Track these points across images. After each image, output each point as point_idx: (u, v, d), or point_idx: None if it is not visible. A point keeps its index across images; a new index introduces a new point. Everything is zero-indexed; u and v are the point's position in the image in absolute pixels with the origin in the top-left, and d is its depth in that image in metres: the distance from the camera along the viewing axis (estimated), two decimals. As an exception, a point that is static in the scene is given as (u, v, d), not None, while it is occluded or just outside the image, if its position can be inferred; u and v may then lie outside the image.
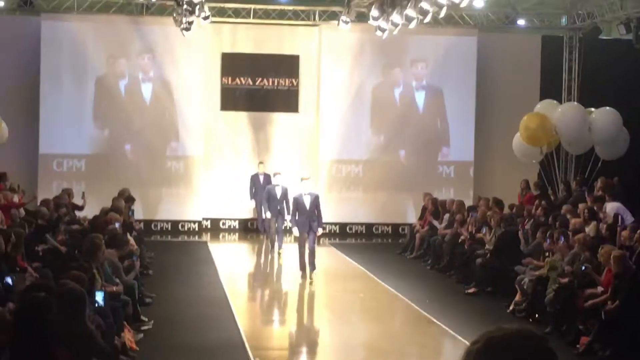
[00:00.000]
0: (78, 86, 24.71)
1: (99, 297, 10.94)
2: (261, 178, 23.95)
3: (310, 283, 18.10)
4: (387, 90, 25.84)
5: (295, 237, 19.00)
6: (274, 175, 22.07)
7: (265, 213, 21.92)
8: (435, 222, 21.65)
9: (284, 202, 21.45)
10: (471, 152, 25.88)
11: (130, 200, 20.86)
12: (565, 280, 14.29)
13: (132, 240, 16.80)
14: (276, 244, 21.63)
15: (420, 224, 22.45)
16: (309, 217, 18.37)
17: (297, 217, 18.49)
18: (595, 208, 18.33)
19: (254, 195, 24.08)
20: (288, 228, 21.29)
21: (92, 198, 21.97)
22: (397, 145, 25.85)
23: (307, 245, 18.39)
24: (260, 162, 24.63)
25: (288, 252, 20.98)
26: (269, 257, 21.95)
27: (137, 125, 25.01)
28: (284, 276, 19.98)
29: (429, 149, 25.91)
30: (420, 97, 25.98)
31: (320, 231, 18.82)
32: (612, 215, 17.60)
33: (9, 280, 11.89)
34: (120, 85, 25.06)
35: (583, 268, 14.05)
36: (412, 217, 24.81)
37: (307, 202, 18.37)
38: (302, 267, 18.53)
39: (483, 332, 2.83)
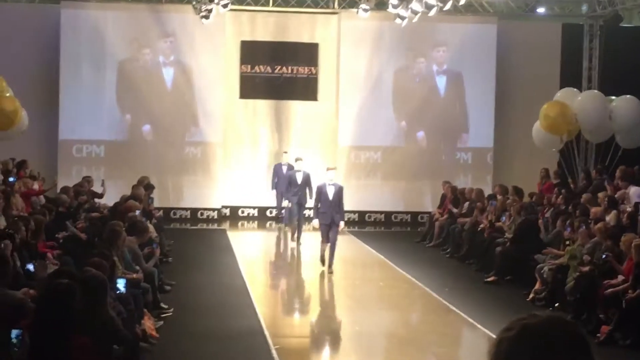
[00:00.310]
0: (97, 73, 24.78)
1: (121, 284, 10.98)
2: (284, 168, 23.48)
3: (330, 272, 17.70)
4: (407, 76, 25.78)
5: (314, 227, 18.38)
6: (296, 160, 21.89)
7: (283, 201, 21.76)
8: (455, 210, 21.61)
9: (306, 188, 21.15)
10: (491, 139, 25.82)
11: (149, 188, 20.88)
12: (586, 268, 14.24)
13: (152, 228, 16.84)
14: (295, 233, 21.56)
15: (439, 212, 22.41)
16: (331, 208, 17.62)
17: (319, 208, 17.80)
18: (616, 196, 18.26)
19: (275, 185, 23.73)
20: (307, 216, 21.20)
21: (111, 184, 22.10)
22: (417, 131, 25.81)
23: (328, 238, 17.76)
24: (285, 152, 24.29)
25: (307, 240, 20.90)
26: (288, 245, 21.93)
27: (157, 110, 25.05)
28: (303, 264, 19.99)
29: (449, 134, 25.88)
30: (441, 82, 25.92)
31: (342, 225, 17.98)
32: (634, 201, 17.54)
33: (30, 267, 11.95)
34: (141, 70, 25.08)
35: (604, 256, 13.99)
36: (431, 206, 24.78)
37: (331, 192, 17.63)
38: (323, 261, 17.93)
39: (515, 319, 2.81)
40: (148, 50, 25.01)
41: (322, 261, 17.93)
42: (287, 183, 21.62)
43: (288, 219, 22.39)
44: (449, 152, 25.93)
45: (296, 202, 21.33)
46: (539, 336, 2.75)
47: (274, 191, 23.84)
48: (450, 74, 25.82)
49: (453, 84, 25.85)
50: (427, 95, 25.80)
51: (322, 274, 17.93)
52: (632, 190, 18.31)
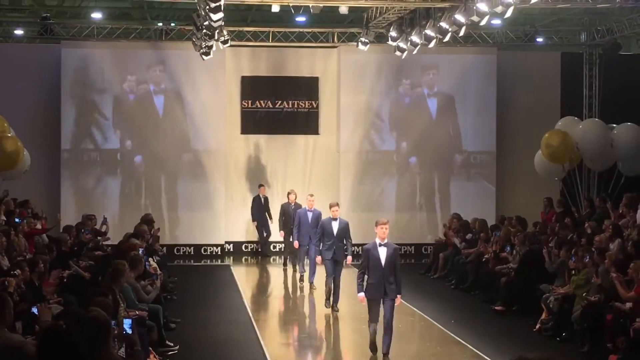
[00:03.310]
0: (99, 108, 24.89)
1: (126, 325, 10.91)
2: (309, 215, 20.05)
3: None
4: (407, 108, 25.81)
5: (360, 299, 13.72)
6: (331, 207, 17.62)
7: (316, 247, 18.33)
8: (456, 240, 21.57)
9: (344, 240, 17.35)
10: (493, 170, 25.81)
11: (151, 224, 20.84)
12: (594, 298, 14.17)
13: (154, 265, 16.78)
14: (302, 270, 20.61)
15: (446, 241, 22.40)
16: (384, 277, 13.20)
17: (366, 277, 13.46)
18: (620, 223, 18.21)
19: (297, 235, 20.21)
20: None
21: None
22: (420, 163, 25.80)
23: (381, 316, 13.39)
24: (311, 195, 20.49)
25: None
26: (293, 280, 21.79)
27: (160, 149, 25.10)
28: (308, 299, 19.85)
29: (452, 165, 25.87)
30: (434, 108, 25.89)
31: (398, 299, 13.39)
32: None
33: (34, 310, 11.87)
34: (138, 109, 25.15)
35: (613, 275, 13.92)
36: (434, 237, 24.73)
37: (384, 255, 13.33)
38: (374, 348, 13.48)
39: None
40: (148, 88, 25.12)
41: (373, 349, 13.51)
42: (319, 234, 17.69)
43: (312, 272, 19.77)
44: (454, 185, 25.87)
45: (330, 258, 17.41)
46: None
47: (296, 242, 20.42)
48: (445, 100, 25.84)
49: (448, 113, 25.81)
50: (428, 127, 25.80)
51: (327, 308, 17.70)
52: None
